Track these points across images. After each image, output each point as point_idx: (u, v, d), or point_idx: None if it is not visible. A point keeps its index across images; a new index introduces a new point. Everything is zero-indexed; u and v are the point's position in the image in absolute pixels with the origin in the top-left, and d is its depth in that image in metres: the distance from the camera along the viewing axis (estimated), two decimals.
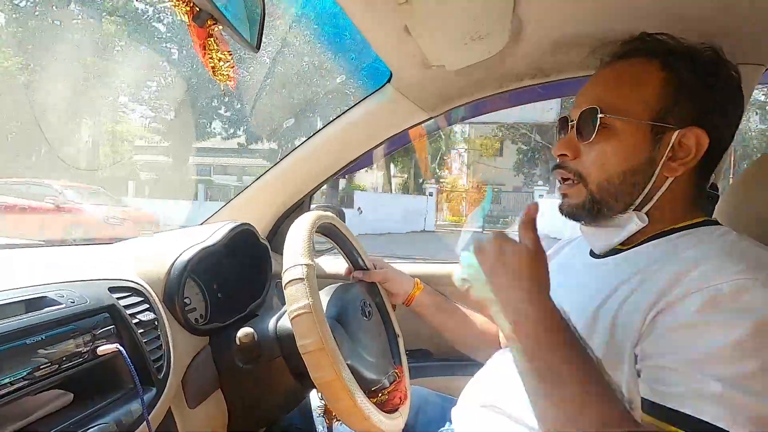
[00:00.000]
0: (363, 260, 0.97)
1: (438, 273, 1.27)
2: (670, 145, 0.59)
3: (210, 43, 0.50)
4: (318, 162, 1.20)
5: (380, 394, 0.76)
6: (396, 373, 0.81)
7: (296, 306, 0.64)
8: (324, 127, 1.15)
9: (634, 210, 0.62)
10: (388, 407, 0.78)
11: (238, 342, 0.74)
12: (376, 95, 1.08)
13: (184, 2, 0.45)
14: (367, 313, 0.86)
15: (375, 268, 0.98)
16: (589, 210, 0.63)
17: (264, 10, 0.60)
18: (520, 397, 0.56)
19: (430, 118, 1.12)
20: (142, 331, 0.66)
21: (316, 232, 0.80)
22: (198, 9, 0.46)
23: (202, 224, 1.15)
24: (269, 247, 1.03)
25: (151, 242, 0.90)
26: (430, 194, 15.98)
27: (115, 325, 0.62)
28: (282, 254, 0.71)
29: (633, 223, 0.62)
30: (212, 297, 0.95)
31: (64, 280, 0.62)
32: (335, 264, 1.31)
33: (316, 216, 0.79)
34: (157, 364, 0.67)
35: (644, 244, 0.62)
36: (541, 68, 0.97)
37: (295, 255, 0.68)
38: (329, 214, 0.86)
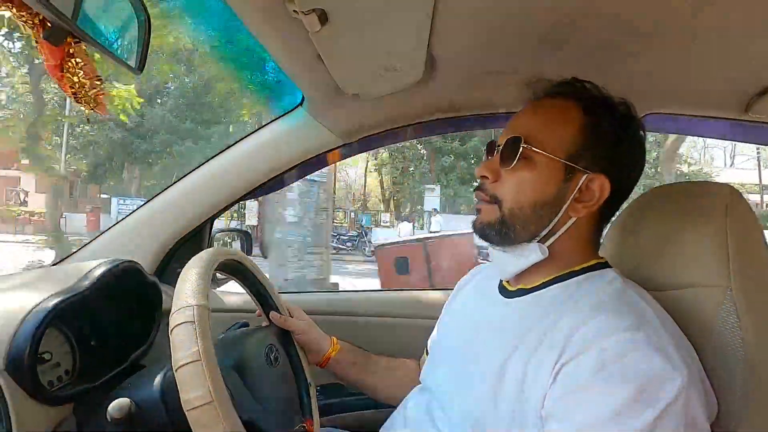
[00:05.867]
0: (275, 302, 0.87)
1: None
2: (578, 187, 0.63)
3: (70, 64, 0.40)
4: (219, 186, 1.08)
5: None
6: (304, 427, 0.73)
7: (182, 354, 0.54)
8: (226, 148, 1.05)
9: (538, 242, 0.65)
10: None
11: (109, 418, 0.61)
12: (287, 118, 1.01)
13: (29, 16, 0.35)
14: (272, 360, 0.77)
15: (292, 316, 0.89)
16: (498, 231, 0.65)
17: (149, 27, 0.51)
18: None
19: (345, 145, 1.08)
20: None
21: (217, 270, 0.70)
22: (50, 25, 0.36)
23: (62, 261, 0.97)
24: (158, 283, 0.90)
25: None
26: None
27: None
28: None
29: (535, 253, 0.64)
30: (83, 347, 0.79)
31: None
32: (239, 296, 1.20)
33: (212, 255, 0.68)
34: None
35: (546, 288, 0.65)
36: (453, 103, 0.99)
37: (184, 296, 0.58)
38: (231, 250, 0.76)
